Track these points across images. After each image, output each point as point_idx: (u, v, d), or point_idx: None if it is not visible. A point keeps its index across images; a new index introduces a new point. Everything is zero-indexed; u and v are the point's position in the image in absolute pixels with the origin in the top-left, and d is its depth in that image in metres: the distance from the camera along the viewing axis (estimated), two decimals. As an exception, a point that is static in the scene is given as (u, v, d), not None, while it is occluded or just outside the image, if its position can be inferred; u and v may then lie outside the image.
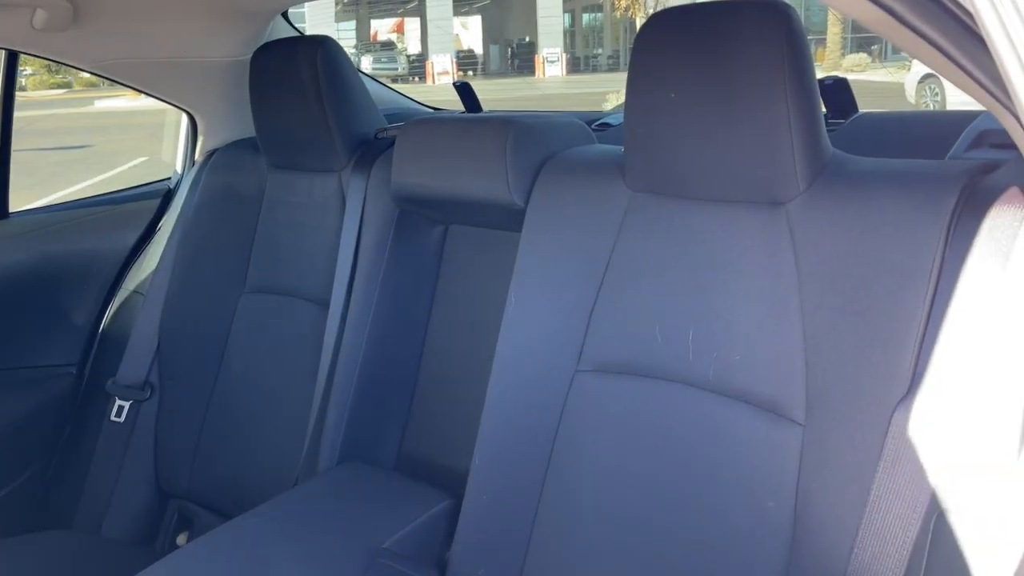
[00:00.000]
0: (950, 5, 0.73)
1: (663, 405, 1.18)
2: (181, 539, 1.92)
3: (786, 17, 1.05)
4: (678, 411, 1.16)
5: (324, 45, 1.67)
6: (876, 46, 23.36)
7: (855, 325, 1.02)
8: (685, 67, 1.11)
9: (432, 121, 1.55)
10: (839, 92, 1.54)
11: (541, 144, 1.40)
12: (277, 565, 1.27)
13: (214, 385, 1.87)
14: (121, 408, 1.92)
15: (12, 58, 1.86)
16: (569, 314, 1.27)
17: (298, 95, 1.68)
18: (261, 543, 1.33)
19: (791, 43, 1.05)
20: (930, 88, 10.53)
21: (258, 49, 1.77)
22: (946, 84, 10.09)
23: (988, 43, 0.64)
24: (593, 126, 1.84)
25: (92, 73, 1.86)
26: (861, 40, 23.55)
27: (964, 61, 0.78)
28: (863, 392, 1.00)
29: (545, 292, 1.30)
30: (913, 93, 10.85)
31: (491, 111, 2.25)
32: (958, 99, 8.81)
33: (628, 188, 1.25)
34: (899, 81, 11.89)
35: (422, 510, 1.40)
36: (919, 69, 10.88)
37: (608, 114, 2.04)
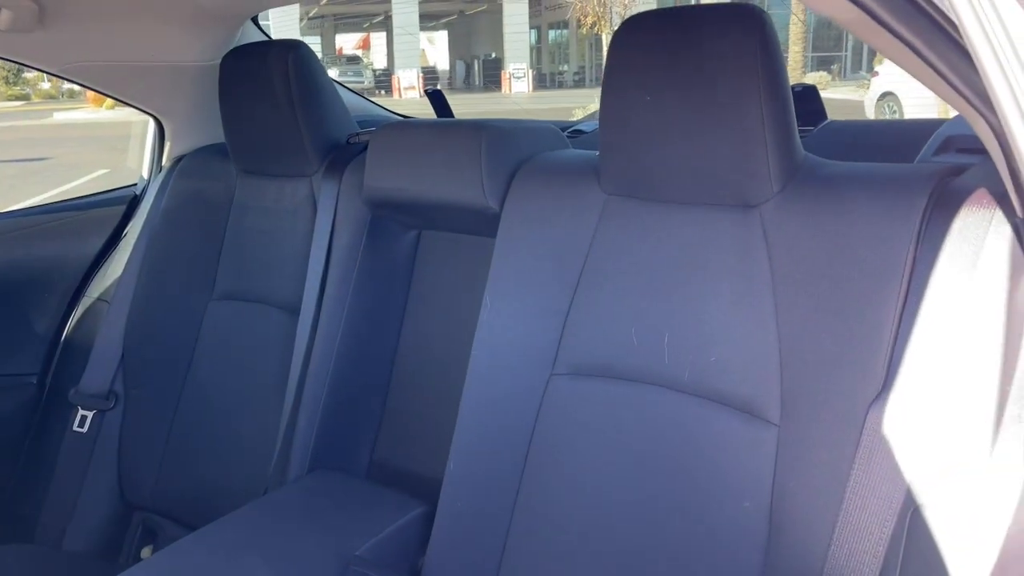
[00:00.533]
0: (927, 8, 0.75)
1: (639, 408, 1.18)
2: (146, 552, 1.88)
3: (760, 21, 1.07)
4: (654, 413, 1.16)
5: (296, 49, 1.66)
6: (836, 65, 23.85)
7: (829, 325, 1.03)
8: (660, 70, 1.12)
9: (406, 125, 1.55)
10: (808, 99, 1.57)
11: (516, 148, 1.41)
12: (247, 575, 1.25)
13: (181, 393, 1.84)
14: (84, 418, 1.88)
15: (-25, 60, 1.82)
16: (544, 317, 1.27)
17: (269, 99, 1.67)
18: (230, 553, 1.30)
19: (765, 47, 1.06)
20: (888, 106, 10.77)
21: (229, 53, 1.75)
22: (903, 102, 10.33)
23: (971, 51, 0.65)
24: (566, 133, 1.84)
25: (58, 76, 1.83)
26: (821, 59, 24.03)
27: (939, 64, 0.80)
28: (837, 392, 1.01)
29: (520, 295, 1.29)
30: (872, 110, 11.09)
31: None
32: (915, 116, 9.01)
33: (603, 191, 1.25)
34: (858, 99, 12.13)
35: (396, 517, 1.38)
36: (877, 88, 11.12)
37: (580, 121, 2.05)
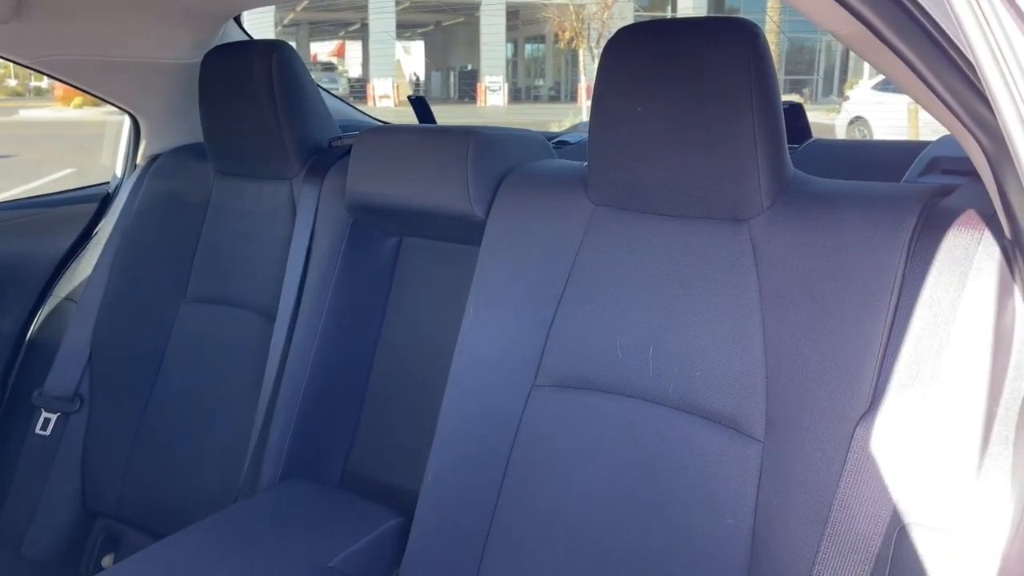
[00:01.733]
0: (929, 27, 0.74)
1: (622, 421, 1.16)
2: (107, 560, 1.83)
3: (754, 36, 1.07)
4: (637, 427, 1.15)
5: (280, 49, 1.64)
6: (807, 88, 24.23)
7: (816, 342, 1.03)
8: (652, 82, 1.11)
9: (391, 129, 1.53)
10: (794, 117, 1.57)
11: (503, 156, 1.39)
12: None
13: (149, 398, 1.79)
14: (47, 421, 1.83)
15: (-53, 50, 1.77)
16: (528, 328, 1.25)
17: (251, 100, 1.64)
18: (196, 563, 1.26)
19: (758, 62, 1.06)
20: (859, 130, 10.94)
21: (210, 51, 1.72)
22: (873, 127, 10.51)
23: (978, 71, 0.65)
24: (551, 144, 1.83)
25: (33, 69, 1.78)
26: (793, 82, 24.39)
27: (935, 83, 0.80)
28: (824, 409, 1.01)
29: (504, 305, 1.28)
30: (843, 133, 11.27)
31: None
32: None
33: (591, 202, 1.24)
34: (829, 123, 12.32)
35: (370, 528, 1.35)
36: (848, 111, 11.30)
37: (565, 132, 2.04)
